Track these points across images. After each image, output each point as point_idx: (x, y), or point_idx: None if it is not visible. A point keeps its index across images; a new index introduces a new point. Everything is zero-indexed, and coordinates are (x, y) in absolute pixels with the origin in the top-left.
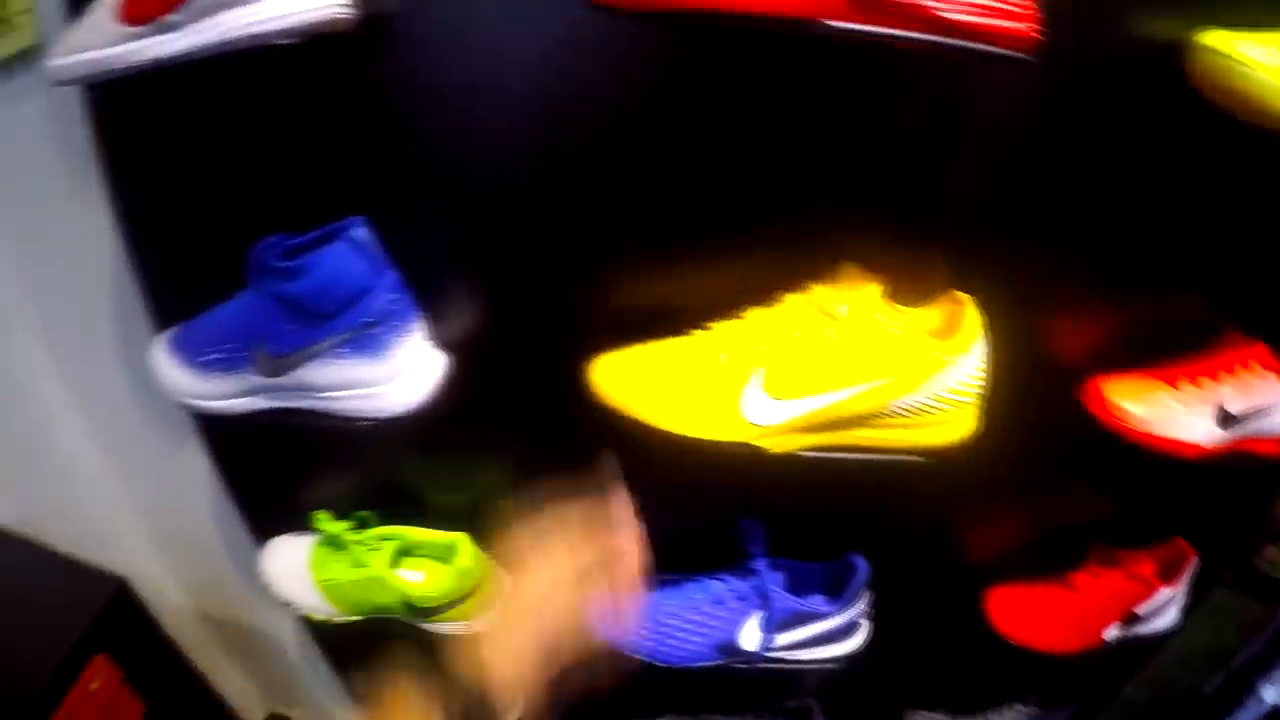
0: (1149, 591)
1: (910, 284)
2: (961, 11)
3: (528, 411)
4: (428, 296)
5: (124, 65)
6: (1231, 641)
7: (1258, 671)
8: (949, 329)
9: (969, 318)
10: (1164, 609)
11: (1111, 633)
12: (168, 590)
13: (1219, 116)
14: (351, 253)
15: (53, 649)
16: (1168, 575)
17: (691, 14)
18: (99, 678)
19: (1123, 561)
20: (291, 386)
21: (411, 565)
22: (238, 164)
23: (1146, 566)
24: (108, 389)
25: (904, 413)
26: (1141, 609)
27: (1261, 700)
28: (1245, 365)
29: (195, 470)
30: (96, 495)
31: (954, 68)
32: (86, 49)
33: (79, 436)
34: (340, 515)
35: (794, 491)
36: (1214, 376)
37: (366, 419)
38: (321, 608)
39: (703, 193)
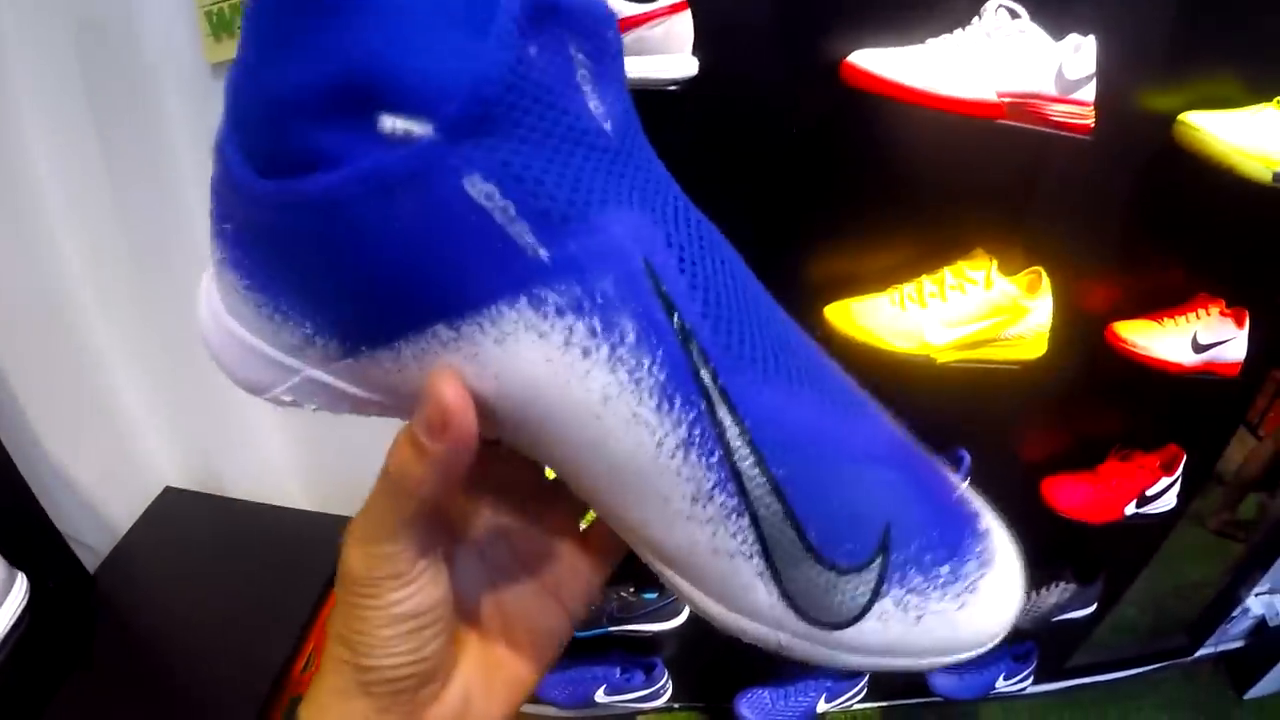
0: (1154, 479)
1: (1012, 261)
2: (1061, 115)
3: None
4: None
5: None
6: (1219, 575)
7: (1241, 587)
8: (1031, 289)
9: (1043, 283)
10: (1165, 493)
11: (1130, 508)
12: None
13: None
14: None
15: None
16: (1167, 468)
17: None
18: None
19: (1135, 458)
20: None
21: None
22: None
23: (1152, 461)
24: None
25: (1009, 338)
26: (1150, 491)
27: (1249, 610)
28: (1209, 312)
29: None
30: None
31: (1046, 144)
32: None
33: None
34: None
35: (922, 406)
36: (1189, 319)
37: None
38: None
39: (898, 214)
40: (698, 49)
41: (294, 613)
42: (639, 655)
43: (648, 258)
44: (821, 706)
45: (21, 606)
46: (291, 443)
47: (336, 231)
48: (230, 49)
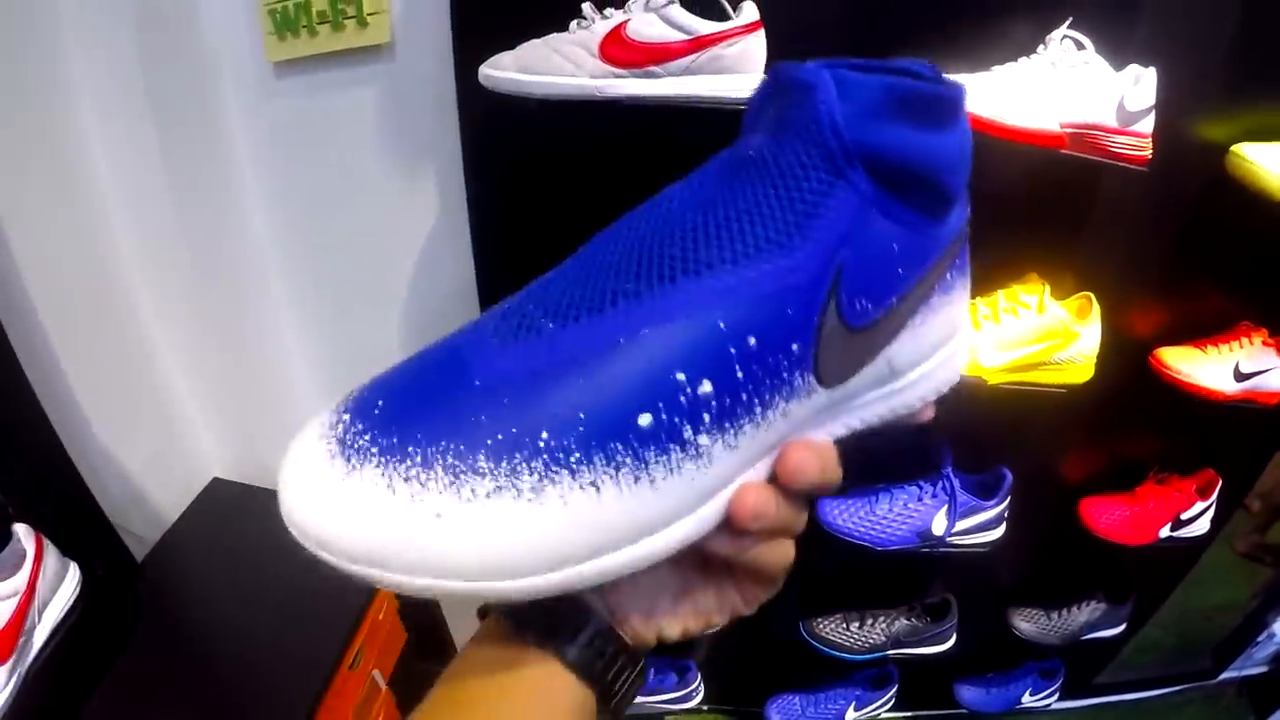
0: (1190, 503)
1: (1062, 285)
2: (1120, 146)
3: None
4: None
5: (583, 94)
6: (1246, 599)
7: (1268, 612)
8: (1081, 314)
9: (1093, 308)
10: (1200, 517)
11: (1164, 531)
12: None
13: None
14: None
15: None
16: (1203, 493)
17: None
18: (384, 609)
19: (1171, 482)
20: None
21: None
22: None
23: (1188, 485)
24: None
25: (1059, 362)
26: (1185, 515)
27: (1274, 635)
28: (1252, 341)
29: None
30: None
31: (1099, 171)
32: (542, 71)
33: None
34: None
35: (968, 425)
36: (1232, 347)
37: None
38: None
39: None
40: (770, 69)
41: (341, 608)
42: (672, 657)
43: None
44: (850, 715)
45: (75, 595)
46: None
47: None
48: (292, 48)
